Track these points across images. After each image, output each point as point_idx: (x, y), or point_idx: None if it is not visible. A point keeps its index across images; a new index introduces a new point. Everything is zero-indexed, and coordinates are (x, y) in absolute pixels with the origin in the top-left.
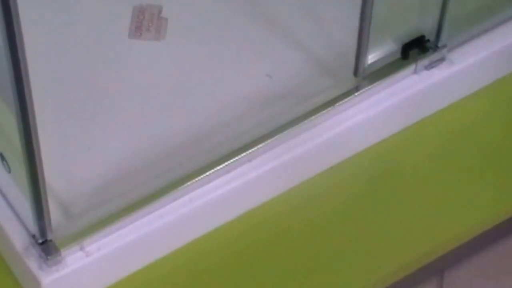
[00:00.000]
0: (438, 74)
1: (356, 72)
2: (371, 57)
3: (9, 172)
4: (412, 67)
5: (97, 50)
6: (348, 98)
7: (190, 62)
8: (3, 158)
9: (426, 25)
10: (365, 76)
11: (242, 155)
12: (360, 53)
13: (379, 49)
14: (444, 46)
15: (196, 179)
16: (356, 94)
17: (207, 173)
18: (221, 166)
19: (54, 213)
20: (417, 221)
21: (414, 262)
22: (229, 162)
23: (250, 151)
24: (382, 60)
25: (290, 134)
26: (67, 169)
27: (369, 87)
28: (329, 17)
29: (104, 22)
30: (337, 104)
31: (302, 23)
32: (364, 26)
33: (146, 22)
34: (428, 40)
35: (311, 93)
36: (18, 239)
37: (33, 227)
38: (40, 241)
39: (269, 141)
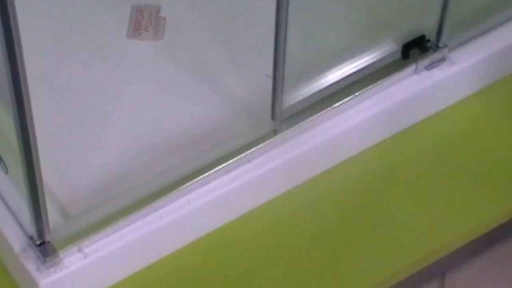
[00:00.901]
0: (439, 74)
1: (273, 116)
2: (370, 58)
3: (7, 173)
4: (412, 67)
5: (95, 50)
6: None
7: (188, 61)
8: (1, 159)
9: (426, 25)
10: (282, 120)
11: (241, 155)
12: (275, 97)
13: (379, 49)
14: (445, 46)
15: (195, 180)
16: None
17: (206, 174)
18: (220, 167)
19: (52, 214)
20: (417, 223)
21: (415, 264)
22: (228, 163)
23: (249, 151)
24: (382, 60)
25: (290, 134)
26: (65, 170)
27: (370, 87)
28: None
29: (102, 21)
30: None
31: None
32: (278, 69)
33: (144, 22)
34: (429, 40)
35: (228, 136)
36: (16, 240)
37: (30, 229)
38: (38, 242)
39: (268, 141)
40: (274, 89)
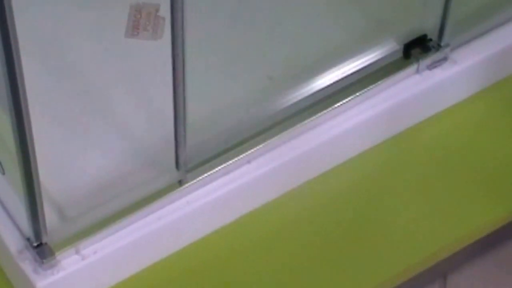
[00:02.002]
0: (441, 74)
1: (177, 165)
2: (371, 57)
3: (3, 174)
4: (414, 67)
5: (93, 50)
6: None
7: (188, 61)
8: None
9: (428, 24)
10: (188, 170)
11: (241, 156)
12: (178, 147)
13: (380, 48)
14: (447, 45)
15: (194, 181)
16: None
17: (206, 175)
18: (219, 168)
19: (49, 215)
20: (419, 225)
21: (417, 265)
22: (227, 163)
23: (249, 152)
24: (383, 59)
25: (290, 135)
26: (62, 171)
27: (371, 87)
28: None
29: (99, 20)
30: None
31: None
32: (179, 118)
33: (143, 21)
34: (431, 39)
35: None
36: (13, 242)
37: (27, 230)
38: (35, 244)
39: (268, 142)
40: (176, 139)
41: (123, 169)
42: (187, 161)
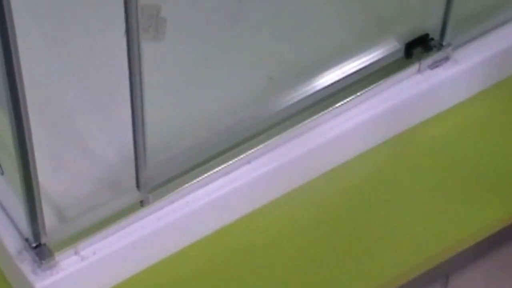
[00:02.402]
0: (443, 73)
1: (138, 185)
2: (372, 57)
3: (2, 174)
4: (415, 67)
5: (93, 52)
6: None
7: (189, 62)
8: None
9: (430, 23)
10: (150, 190)
11: (241, 156)
12: (138, 167)
13: (381, 48)
14: (449, 44)
15: (194, 181)
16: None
17: (205, 175)
18: (219, 168)
19: (48, 216)
20: (421, 225)
21: (418, 266)
22: (227, 164)
23: (249, 152)
24: (384, 59)
25: (291, 135)
26: (62, 171)
27: (372, 86)
28: None
29: (100, 22)
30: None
31: None
32: (138, 138)
33: (144, 23)
34: (432, 39)
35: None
36: (11, 242)
37: (26, 231)
38: (33, 244)
39: (268, 142)
40: (136, 159)
41: (126, 168)
42: (148, 181)
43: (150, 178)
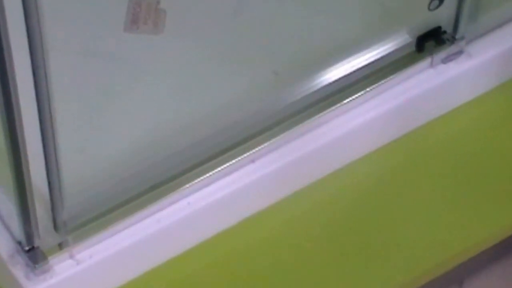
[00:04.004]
0: (456, 68)
1: (55, 227)
2: (382, 51)
3: None
4: (427, 61)
5: (90, 45)
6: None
7: (190, 57)
8: None
9: (442, 16)
10: (68, 231)
11: (245, 155)
12: (54, 208)
13: (391, 41)
14: (462, 38)
15: (196, 181)
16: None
17: (207, 175)
18: (222, 167)
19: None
20: (434, 228)
21: (431, 271)
22: (230, 163)
23: (253, 151)
24: (395, 53)
25: (297, 133)
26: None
27: (382, 82)
28: None
29: (97, 14)
30: None
31: None
32: (52, 176)
33: (143, 15)
34: (445, 32)
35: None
36: (3, 246)
37: (19, 233)
38: (26, 248)
39: (273, 140)
40: (51, 199)
41: (124, 167)
42: (67, 222)
43: (70, 219)
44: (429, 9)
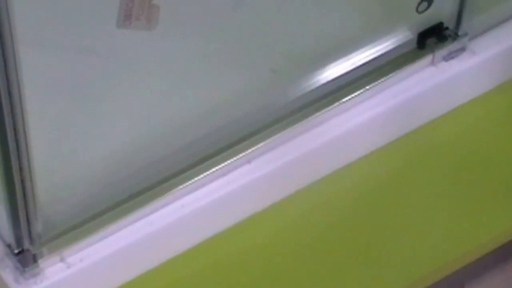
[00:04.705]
0: (458, 65)
1: (31, 240)
2: (381, 48)
3: None
4: (429, 58)
5: (82, 42)
6: None
7: (184, 54)
8: None
9: (444, 11)
10: (42, 244)
11: (241, 155)
12: (29, 217)
13: (392, 38)
14: (465, 34)
15: (189, 182)
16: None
17: (202, 176)
18: (217, 168)
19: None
20: (434, 230)
21: (431, 275)
22: (226, 163)
23: (249, 151)
24: (395, 50)
25: (294, 132)
26: (47, 172)
27: (382, 80)
28: None
29: (89, 10)
30: None
31: None
32: (27, 190)
33: (136, 10)
34: (447, 28)
35: None
36: None
37: (8, 236)
38: (16, 251)
39: (270, 140)
40: (26, 208)
41: (116, 169)
42: (40, 234)
43: (43, 231)
44: (417, 11)
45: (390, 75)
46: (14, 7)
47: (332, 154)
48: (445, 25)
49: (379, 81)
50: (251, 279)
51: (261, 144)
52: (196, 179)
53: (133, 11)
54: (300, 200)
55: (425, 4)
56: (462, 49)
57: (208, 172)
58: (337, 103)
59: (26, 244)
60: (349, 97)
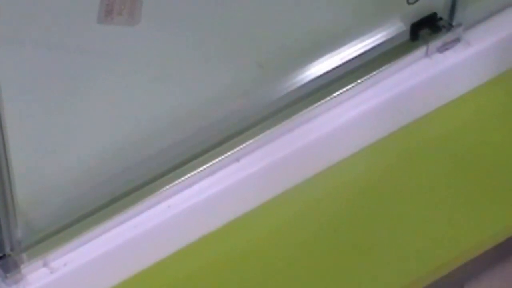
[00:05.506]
0: (453, 57)
1: (11, 247)
2: (374, 40)
3: None
4: (423, 50)
5: (63, 38)
6: None
7: (169, 50)
8: None
9: (437, 1)
10: (22, 250)
11: (229, 153)
12: (8, 223)
13: (384, 30)
14: (459, 24)
15: (176, 182)
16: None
17: (189, 175)
18: (205, 167)
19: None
20: (432, 228)
21: (430, 274)
22: (214, 162)
23: (238, 148)
24: (388, 42)
25: (284, 129)
26: (29, 173)
27: (374, 73)
28: None
29: (69, 5)
30: None
31: None
32: (6, 195)
33: (117, 5)
34: (441, 18)
35: None
36: None
37: None
38: None
39: (259, 137)
40: (6, 214)
41: (100, 169)
42: (20, 240)
43: (24, 236)
44: (408, 2)
45: (383, 68)
46: None
47: (324, 150)
48: (438, 16)
49: (371, 74)
50: (241, 280)
51: (250, 141)
52: (183, 178)
53: (114, 6)
54: (291, 199)
55: None
56: (457, 40)
57: (195, 171)
58: (328, 98)
59: (7, 250)
60: (341, 91)
